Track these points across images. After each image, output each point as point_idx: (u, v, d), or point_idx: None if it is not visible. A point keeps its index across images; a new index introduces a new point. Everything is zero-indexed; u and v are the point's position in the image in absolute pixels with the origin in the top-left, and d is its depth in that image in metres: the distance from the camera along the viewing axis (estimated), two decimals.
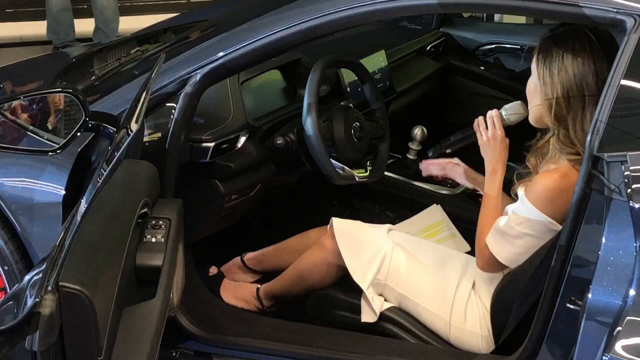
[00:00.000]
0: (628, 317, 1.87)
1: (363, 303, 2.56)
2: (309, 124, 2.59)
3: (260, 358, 2.52)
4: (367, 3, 2.23)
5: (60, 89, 2.32)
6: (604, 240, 1.93)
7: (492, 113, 2.46)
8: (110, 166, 1.88)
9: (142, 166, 2.21)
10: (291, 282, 2.78)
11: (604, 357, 1.92)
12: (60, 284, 1.48)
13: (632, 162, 1.92)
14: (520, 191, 2.34)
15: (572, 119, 2.22)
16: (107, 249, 1.74)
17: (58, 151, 2.19)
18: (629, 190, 1.90)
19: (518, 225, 2.30)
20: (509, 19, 4.41)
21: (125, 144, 2.07)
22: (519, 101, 2.48)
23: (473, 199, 3.14)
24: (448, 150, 2.73)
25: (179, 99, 2.39)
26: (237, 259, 3.04)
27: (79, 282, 1.49)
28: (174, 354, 2.61)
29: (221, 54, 2.38)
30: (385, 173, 3.19)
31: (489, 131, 2.44)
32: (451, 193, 3.18)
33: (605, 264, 1.93)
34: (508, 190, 2.49)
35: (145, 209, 2.04)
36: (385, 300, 2.58)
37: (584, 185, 2.00)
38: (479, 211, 2.50)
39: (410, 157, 3.25)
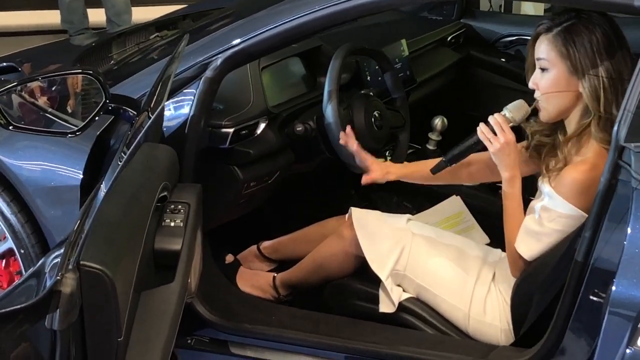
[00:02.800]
0: None
1: (381, 293, 2.53)
2: (329, 111, 2.57)
3: (277, 346, 2.50)
4: None
5: (80, 70, 2.29)
6: (629, 231, 1.90)
7: (496, 117, 2.32)
8: (130, 149, 1.86)
9: (161, 150, 2.19)
10: (308, 271, 2.75)
11: (627, 350, 1.90)
12: (81, 262, 1.46)
13: None
14: (546, 187, 2.29)
15: (610, 98, 2.16)
16: (128, 230, 1.72)
17: (77, 133, 2.17)
18: None
19: (550, 222, 2.24)
20: (529, 10, 4.38)
21: (146, 127, 2.05)
22: (520, 99, 2.37)
23: (493, 190, 3.11)
24: (453, 165, 2.63)
25: (200, 84, 2.37)
26: (254, 247, 3.02)
27: (100, 262, 1.47)
28: (189, 341, 2.60)
29: (242, 39, 2.36)
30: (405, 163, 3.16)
31: (500, 137, 2.30)
32: (471, 184, 3.14)
33: (630, 255, 1.89)
34: None
35: (165, 193, 2.02)
36: (403, 290, 2.56)
37: (609, 176, 1.97)
38: (498, 203, 2.44)
39: (430, 147, 3.22)
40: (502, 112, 2.33)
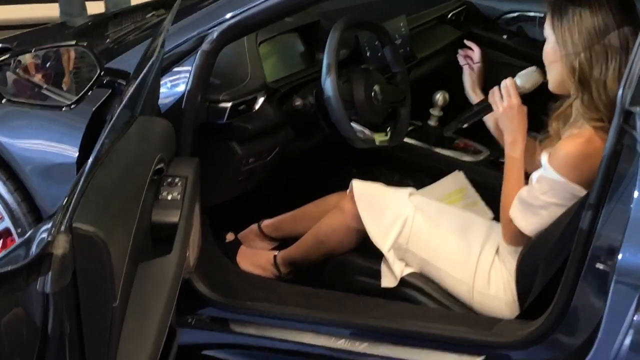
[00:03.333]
0: None
1: (383, 267, 2.50)
2: (328, 84, 2.53)
3: (279, 323, 2.46)
4: None
5: (73, 43, 2.26)
6: (635, 196, 1.86)
7: (506, 82, 2.39)
8: (114, 116, 1.81)
9: (157, 122, 2.15)
10: (309, 247, 2.72)
11: (635, 318, 1.86)
12: (74, 225, 1.42)
13: None
14: (544, 158, 2.27)
15: (596, 80, 2.15)
16: (122, 198, 1.68)
17: (72, 106, 2.13)
18: None
19: (543, 194, 2.24)
20: None
21: (129, 93, 2.00)
22: (534, 67, 2.42)
23: (496, 166, 3.07)
24: (465, 126, 2.65)
25: (196, 57, 2.33)
26: (254, 226, 2.99)
27: (93, 225, 1.43)
28: (189, 320, 2.56)
29: (238, 10, 2.31)
30: (406, 140, 3.13)
31: (505, 101, 2.37)
32: (474, 160, 3.11)
33: (637, 222, 1.86)
34: None
35: (161, 165, 1.98)
36: (406, 265, 2.52)
37: (615, 141, 1.93)
38: (501, 178, 2.43)
39: (432, 123, 3.17)
40: (515, 78, 2.39)
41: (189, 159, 2.22)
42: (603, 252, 1.97)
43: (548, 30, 2.26)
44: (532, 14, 3.87)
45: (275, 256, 2.83)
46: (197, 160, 2.21)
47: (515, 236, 2.34)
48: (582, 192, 2.15)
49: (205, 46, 2.33)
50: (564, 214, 2.21)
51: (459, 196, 2.90)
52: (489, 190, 2.92)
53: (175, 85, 2.38)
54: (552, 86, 2.31)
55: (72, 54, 2.30)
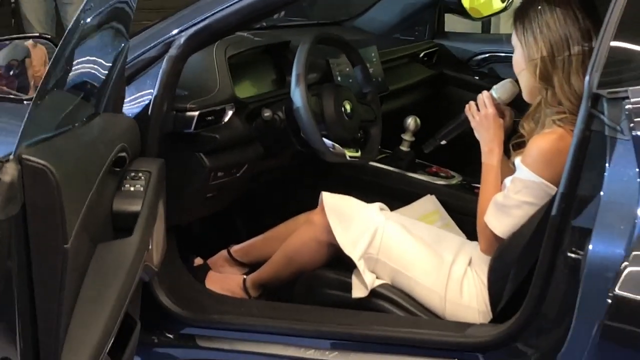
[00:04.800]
0: (634, 253, 1.76)
1: (354, 278, 2.45)
2: (297, 95, 2.51)
3: (245, 336, 2.39)
4: None
5: (37, 35, 2.23)
6: (605, 183, 1.83)
7: (482, 95, 2.44)
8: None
9: (121, 118, 2.12)
10: (279, 265, 2.66)
11: (608, 300, 1.81)
12: (24, 156, 1.37)
13: (634, 96, 1.83)
14: (517, 160, 2.27)
15: (558, 75, 2.19)
16: (78, 161, 1.63)
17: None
18: (631, 124, 1.81)
19: (516, 193, 2.22)
20: (503, 29, 4.38)
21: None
22: (509, 79, 2.46)
23: (469, 190, 3.04)
24: (443, 142, 2.68)
25: (163, 63, 2.31)
26: (224, 252, 2.92)
27: (45, 158, 1.38)
28: (154, 339, 2.49)
29: (206, 14, 2.31)
30: (377, 165, 3.10)
31: (481, 111, 2.42)
32: (446, 183, 3.08)
33: (607, 208, 1.83)
34: None
35: (123, 154, 1.94)
36: (377, 277, 2.46)
37: (583, 127, 1.91)
38: (474, 201, 2.43)
39: (404, 148, 3.14)
40: (491, 91, 2.44)
41: (154, 159, 2.18)
42: (575, 241, 1.94)
43: (514, 39, 2.29)
44: (502, 54, 3.91)
45: (244, 279, 2.76)
46: (162, 161, 2.17)
47: (491, 243, 2.32)
48: (554, 190, 2.13)
49: (172, 51, 2.31)
50: (535, 214, 2.18)
51: (431, 219, 2.86)
52: (462, 213, 2.89)
53: (141, 91, 2.36)
54: (524, 95, 2.35)
55: (36, 57, 2.27)
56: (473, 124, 2.45)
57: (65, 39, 1.67)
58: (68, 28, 1.71)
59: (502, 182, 2.36)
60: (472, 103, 2.46)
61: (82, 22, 1.77)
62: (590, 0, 2.22)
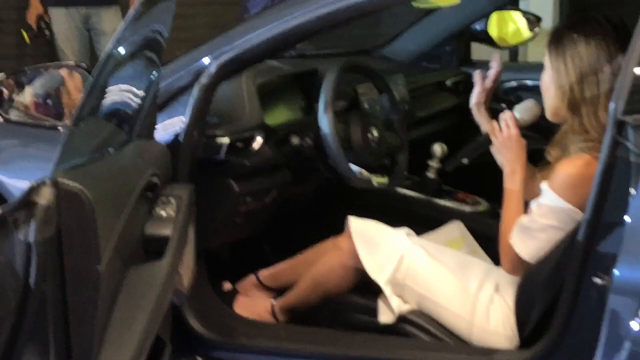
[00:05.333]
0: None
1: (380, 303, 2.47)
2: (325, 122, 2.55)
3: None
4: None
5: (72, 63, 2.29)
6: (630, 209, 1.85)
7: (505, 115, 2.45)
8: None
9: (153, 145, 2.17)
10: (306, 290, 2.68)
11: (632, 330, 1.82)
12: (60, 180, 1.41)
13: None
14: (544, 185, 2.28)
15: (586, 106, 2.20)
16: (112, 184, 1.68)
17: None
18: None
19: (541, 217, 2.24)
20: (532, 57, 4.40)
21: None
22: (531, 99, 2.48)
23: (496, 217, 3.04)
24: (465, 161, 2.69)
25: (194, 91, 2.36)
26: (252, 277, 2.95)
27: (79, 182, 1.42)
28: None
29: (236, 43, 2.36)
30: (404, 191, 3.13)
31: (504, 132, 2.42)
32: (473, 210, 3.10)
33: (632, 234, 1.84)
34: None
35: (155, 179, 1.98)
36: (404, 302, 2.48)
37: (609, 153, 1.94)
38: None
39: (430, 175, 3.17)
40: (513, 111, 2.45)
41: (184, 184, 2.22)
42: (600, 266, 1.95)
43: (546, 59, 2.31)
44: (530, 82, 3.93)
45: (272, 304, 2.79)
46: (192, 186, 2.21)
47: (515, 264, 2.32)
48: (580, 215, 2.14)
49: (203, 80, 2.36)
50: (562, 239, 2.19)
51: (457, 245, 2.87)
52: (489, 240, 2.89)
53: (172, 118, 2.40)
54: (549, 115, 2.35)
55: (70, 85, 2.33)
56: (496, 145, 2.45)
57: (99, 67, 1.72)
58: (102, 57, 1.76)
59: (525, 199, 2.36)
60: (495, 123, 2.47)
61: (115, 50, 1.82)
62: (627, 35, 2.23)
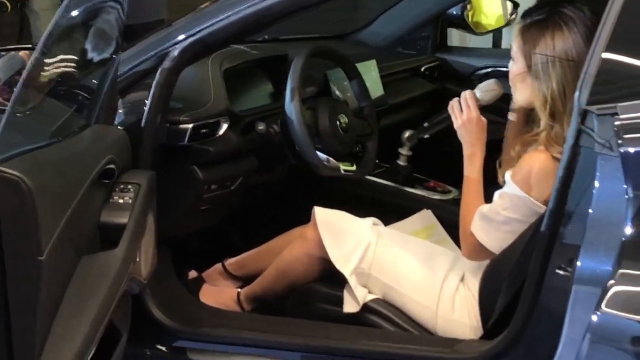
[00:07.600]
0: (620, 271, 1.75)
1: (345, 293, 2.44)
2: (292, 108, 2.51)
3: (239, 350, 2.39)
4: None
5: (29, 46, 2.24)
6: (594, 199, 1.82)
7: (465, 94, 2.40)
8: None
9: (112, 130, 2.12)
10: (272, 279, 2.65)
11: (593, 317, 1.80)
12: None
13: (622, 112, 1.82)
14: (507, 175, 2.25)
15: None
16: (61, 171, 1.63)
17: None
18: (619, 141, 1.80)
19: (504, 209, 2.21)
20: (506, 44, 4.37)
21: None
22: (493, 79, 2.46)
23: None
24: (426, 136, 2.68)
25: (157, 75, 2.31)
26: (218, 265, 2.92)
27: (19, 169, 1.38)
28: (147, 353, 2.48)
29: (200, 27, 2.31)
30: (374, 179, 3.10)
31: (464, 113, 2.37)
32: (443, 198, 3.07)
33: (595, 224, 1.82)
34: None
35: (112, 166, 1.94)
36: (369, 292, 2.46)
37: (573, 143, 1.90)
38: None
39: (401, 163, 3.13)
40: (474, 90, 2.42)
41: (144, 171, 2.18)
42: (563, 258, 1.92)
43: (515, 53, 2.25)
44: (504, 69, 3.87)
45: (238, 293, 2.76)
46: (153, 173, 2.17)
47: (474, 251, 2.31)
48: (542, 208, 2.11)
49: (166, 64, 2.31)
50: (526, 230, 2.17)
51: (426, 234, 2.84)
52: (458, 228, 2.87)
53: (134, 104, 2.36)
54: (520, 101, 2.29)
55: None
56: (456, 126, 2.40)
57: (44, 40, 1.66)
58: (49, 27, 1.68)
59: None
60: (455, 102, 2.41)
61: (63, 20, 1.75)
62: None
